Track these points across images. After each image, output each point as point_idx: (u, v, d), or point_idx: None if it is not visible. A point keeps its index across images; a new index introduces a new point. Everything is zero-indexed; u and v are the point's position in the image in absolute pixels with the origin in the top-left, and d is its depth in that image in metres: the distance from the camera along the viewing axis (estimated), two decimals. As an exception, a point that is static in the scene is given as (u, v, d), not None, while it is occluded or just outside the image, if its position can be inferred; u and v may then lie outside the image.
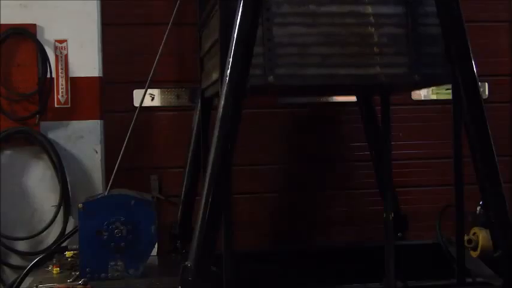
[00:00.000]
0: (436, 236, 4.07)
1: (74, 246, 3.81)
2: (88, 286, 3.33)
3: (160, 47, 3.91)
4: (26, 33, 4.37)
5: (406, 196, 4.70)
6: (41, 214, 4.42)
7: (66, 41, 4.46)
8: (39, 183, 4.43)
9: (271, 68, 2.95)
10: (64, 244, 4.10)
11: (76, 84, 4.48)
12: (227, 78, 2.69)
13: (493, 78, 4.93)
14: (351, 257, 4.14)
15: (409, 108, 4.88)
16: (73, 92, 4.47)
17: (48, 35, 4.43)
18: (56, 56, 4.45)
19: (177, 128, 4.63)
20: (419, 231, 4.53)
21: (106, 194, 3.64)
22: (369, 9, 3.05)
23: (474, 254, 3.53)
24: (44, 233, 4.38)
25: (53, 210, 4.36)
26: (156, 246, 3.81)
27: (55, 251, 3.93)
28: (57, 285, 3.32)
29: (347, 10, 3.05)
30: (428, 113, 4.88)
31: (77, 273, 3.52)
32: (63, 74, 4.46)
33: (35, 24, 4.41)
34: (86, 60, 4.49)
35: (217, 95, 3.00)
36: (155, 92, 4.65)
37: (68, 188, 4.39)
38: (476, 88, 2.90)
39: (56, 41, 4.45)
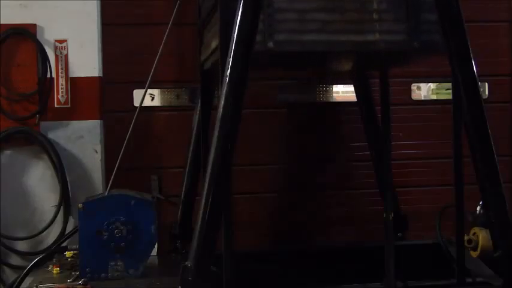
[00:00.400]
0: (436, 236, 4.07)
1: (74, 246, 3.81)
2: (88, 286, 3.33)
3: (160, 47, 3.91)
4: (26, 33, 4.37)
5: (406, 196, 4.70)
6: (41, 214, 4.42)
7: (66, 41, 4.46)
8: (39, 183, 4.43)
9: (270, 34, 2.96)
10: (64, 244, 4.10)
11: (76, 84, 4.48)
12: (227, 78, 2.69)
13: (493, 78, 4.93)
14: (351, 257, 4.14)
15: (409, 108, 4.88)
16: (73, 92, 4.47)
17: (48, 35, 4.43)
18: (56, 56, 4.45)
19: (177, 128, 4.63)
20: (419, 231, 4.53)
21: (106, 194, 3.64)
22: (368, -24, 3.07)
23: (474, 254, 3.53)
24: (44, 233, 4.38)
25: (53, 210, 4.36)
26: (156, 246, 3.81)
27: (55, 251, 3.93)
28: (57, 285, 3.32)
29: (346, -24, 3.07)
30: (428, 113, 4.88)
31: (77, 273, 3.52)
32: (63, 74, 4.46)
33: (35, 24, 4.41)
34: (86, 60, 4.49)
35: (217, 63, 3.01)
36: (155, 92, 4.65)
37: (68, 188, 4.39)
38: (476, 88, 2.90)
39: (56, 41, 4.45)
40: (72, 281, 3.42)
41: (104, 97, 4.56)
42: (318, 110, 4.83)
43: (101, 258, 3.49)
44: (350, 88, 4.65)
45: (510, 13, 5.00)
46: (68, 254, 3.88)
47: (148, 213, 3.55)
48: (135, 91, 4.58)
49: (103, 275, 3.50)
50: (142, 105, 3.98)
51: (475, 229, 3.54)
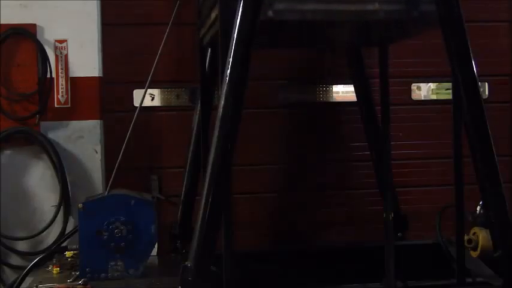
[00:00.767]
0: (436, 236, 4.07)
1: (74, 246, 3.81)
2: (88, 286, 3.33)
3: (160, 47, 3.91)
4: (26, 33, 4.37)
5: (406, 196, 4.71)
6: (41, 214, 4.42)
7: (66, 41, 4.46)
8: (39, 183, 4.43)
9: (270, 3, 2.95)
10: (64, 244, 4.10)
11: (76, 84, 4.48)
12: (227, 78, 2.69)
13: (493, 78, 4.93)
14: (351, 257, 4.14)
15: (408, 108, 4.88)
16: (73, 92, 4.47)
17: (48, 35, 4.43)
18: (56, 56, 4.45)
19: (177, 128, 4.63)
20: (419, 231, 4.53)
21: (106, 194, 3.64)
22: None
23: (474, 254, 3.53)
24: (44, 233, 4.38)
25: (53, 210, 4.36)
26: (156, 246, 3.81)
27: (55, 250, 3.93)
28: (57, 285, 3.32)
29: None
30: (428, 113, 4.88)
31: (77, 273, 3.52)
32: (63, 74, 4.46)
33: (35, 24, 4.41)
34: (86, 60, 4.49)
35: (216, 36, 3.01)
36: (155, 92, 4.65)
37: (68, 188, 4.39)
38: (476, 88, 2.89)
39: (56, 41, 4.45)
40: (72, 281, 3.42)
41: (104, 97, 4.56)
42: (318, 110, 4.83)
43: (101, 258, 3.49)
44: (350, 88, 4.65)
45: (510, 13, 5.00)
46: (68, 254, 3.88)
47: (148, 213, 3.55)
48: (135, 91, 4.58)
49: (103, 275, 3.50)
50: (142, 105, 3.98)
51: (475, 229, 3.54)
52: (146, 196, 3.79)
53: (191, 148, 4.24)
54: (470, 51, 2.88)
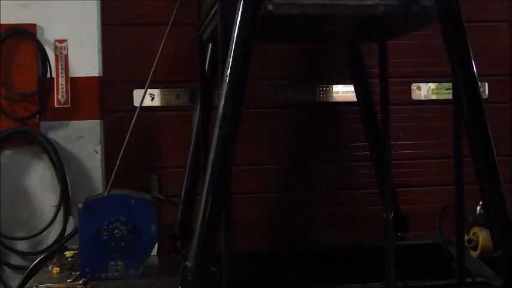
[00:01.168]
0: (436, 236, 4.07)
1: (74, 246, 3.81)
2: (88, 286, 3.33)
3: (160, 47, 3.91)
4: (26, 33, 4.37)
5: (406, 196, 4.70)
6: (41, 214, 4.42)
7: (66, 41, 4.46)
8: (39, 183, 4.43)
9: None
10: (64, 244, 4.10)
11: (76, 84, 4.48)
12: (227, 78, 2.69)
13: (493, 78, 4.93)
14: (351, 257, 4.14)
15: (408, 108, 4.88)
16: (73, 92, 4.47)
17: (48, 35, 4.43)
18: (56, 56, 4.45)
19: (177, 128, 4.63)
20: (419, 231, 4.52)
21: (106, 194, 3.64)
22: None
23: (474, 254, 3.53)
24: (44, 233, 4.38)
25: (53, 210, 4.36)
26: (156, 246, 3.81)
27: (55, 251, 3.92)
28: (57, 285, 3.32)
29: None
30: (428, 113, 4.88)
31: (77, 273, 3.52)
32: (63, 74, 4.46)
33: (35, 24, 4.41)
34: (86, 60, 4.49)
35: (216, 30, 3.01)
36: (155, 92, 4.65)
37: (68, 188, 4.39)
38: (476, 88, 2.90)
39: (56, 41, 4.45)
40: (72, 281, 3.42)
41: (104, 97, 4.56)
42: (318, 110, 4.83)
43: (101, 258, 3.48)
44: (350, 88, 4.65)
45: (510, 13, 5.00)
46: (68, 254, 3.88)
47: (148, 213, 3.55)
48: (135, 91, 4.58)
49: (103, 275, 3.49)
50: (142, 105, 3.98)
51: (475, 229, 3.54)
52: (146, 196, 3.79)
53: (191, 148, 4.24)
54: (470, 51, 2.88)
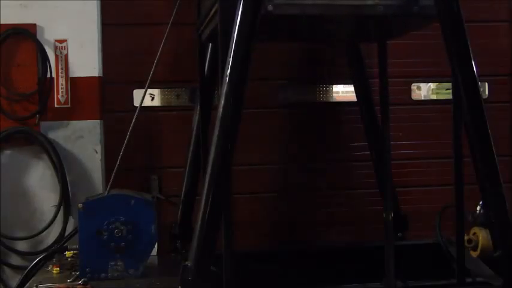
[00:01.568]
0: (436, 236, 4.07)
1: (74, 246, 3.81)
2: (88, 286, 3.32)
3: (160, 47, 3.90)
4: (26, 33, 4.37)
5: (406, 196, 4.70)
6: (41, 214, 4.42)
7: (66, 41, 4.46)
8: (39, 183, 4.43)
9: None
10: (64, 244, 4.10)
11: (76, 84, 4.48)
12: (227, 78, 2.69)
13: (493, 78, 4.93)
14: (351, 257, 4.14)
15: (408, 108, 4.88)
16: (73, 92, 4.47)
17: (48, 35, 4.43)
18: (56, 56, 4.45)
19: (177, 128, 4.63)
20: (419, 231, 4.52)
21: (106, 194, 3.63)
22: None
23: (474, 254, 3.53)
24: (44, 233, 4.38)
25: (53, 210, 4.36)
26: (156, 246, 3.81)
27: (55, 251, 3.92)
28: (57, 285, 3.32)
29: None
30: (428, 113, 4.88)
31: (77, 273, 3.51)
32: (63, 74, 4.46)
33: (35, 24, 4.41)
34: (86, 60, 4.49)
35: (216, 30, 3.02)
36: (155, 92, 4.65)
37: (68, 188, 4.39)
38: (476, 88, 2.89)
39: (56, 41, 4.45)
40: (72, 281, 3.42)
41: (104, 97, 4.56)
42: (318, 110, 4.83)
43: (101, 258, 3.48)
44: (350, 88, 4.65)
45: (510, 13, 5.00)
46: (68, 254, 3.88)
47: (148, 213, 3.55)
48: (135, 91, 4.58)
49: (103, 275, 3.49)
50: (142, 105, 3.98)
51: (475, 229, 3.54)
52: (146, 196, 3.79)
53: (191, 148, 4.24)
54: (470, 51, 2.88)
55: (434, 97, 4.93)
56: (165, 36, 3.93)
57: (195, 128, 4.23)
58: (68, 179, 4.40)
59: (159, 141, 4.68)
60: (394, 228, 3.93)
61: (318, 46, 4.75)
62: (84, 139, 4.48)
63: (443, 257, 3.97)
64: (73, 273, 3.56)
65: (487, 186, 2.95)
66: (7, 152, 4.40)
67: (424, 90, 4.92)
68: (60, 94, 4.46)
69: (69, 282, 3.41)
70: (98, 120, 4.51)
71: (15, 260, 4.40)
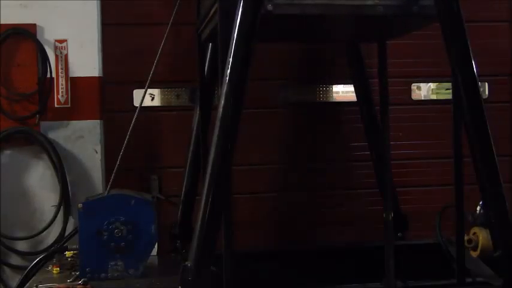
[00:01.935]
0: (436, 236, 4.07)
1: (74, 246, 3.81)
2: (88, 286, 3.32)
3: (160, 47, 3.90)
4: (26, 33, 4.37)
5: (406, 196, 4.70)
6: (41, 214, 4.42)
7: (66, 41, 4.46)
8: (39, 183, 4.43)
9: None
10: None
11: (76, 84, 4.48)
12: (227, 78, 2.68)
13: (493, 78, 4.93)
14: (351, 257, 4.14)
15: (408, 108, 4.88)
16: (73, 92, 4.47)
17: (48, 35, 4.44)
18: (56, 56, 4.45)
19: (177, 128, 4.63)
20: (419, 231, 4.52)
21: (106, 194, 3.63)
22: None
23: (474, 254, 3.53)
24: (44, 233, 4.38)
25: (53, 210, 4.36)
26: (156, 246, 3.81)
27: (55, 251, 3.92)
28: (57, 285, 3.32)
29: None
30: (428, 113, 4.88)
31: (77, 273, 3.52)
32: (63, 74, 4.46)
33: (35, 24, 4.41)
34: (86, 60, 4.49)
35: (215, 29, 3.02)
36: (155, 92, 4.65)
37: (68, 188, 4.39)
38: (476, 88, 2.89)
39: (56, 41, 4.45)
40: (72, 281, 3.42)
41: (104, 97, 4.57)
42: (318, 110, 4.83)
43: (101, 258, 3.48)
44: (350, 88, 4.65)
45: (510, 13, 5.00)
46: (68, 254, 3.88)
47: (149, 213, 3.55)
48: (135, 91, 4.58)
49: (103, 275, 3.49)
50: (142, 105, 3.98)
51: (475, 229, 3.54)
52: (146, 196, 3.79)
53: (191, 148, 4.24)
54: (470, 51, 2.88)
55: (434, 97, 4.93)
56: (165, 36, 3.93)
57: (195, 128, 4.23)
58: (68, 179, 4.40)
59: (159, 141, 4.68)
60: (394, 228, 3.93)
61: (318, 46, 4.76)
62: (84, 139, 4.48)
63: (443, 257, 3.97)
64: (73, 273, 3.56)
65: (487, 186, 2.95)
66: (7, 152, 4.41)
67: (424, 90, 4.92)
68: (60, 94, 4.46)
69: (69, 282, 3.40)
70: (98, 120, 4.51)
71: (15, 260, 4.40)
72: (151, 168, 4.67)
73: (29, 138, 4.39)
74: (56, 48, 4.45)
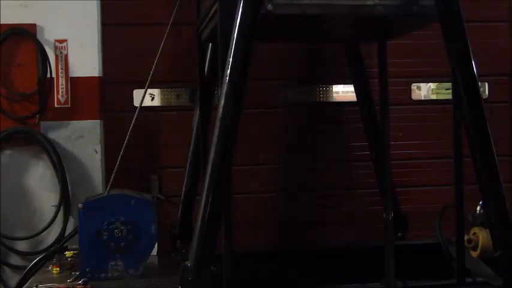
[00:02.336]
0: (436, 236, 4.07)
1: (74, 246, 3.81)
2: (88, 286, 3.33)
3: (160, 47, 3.91)
4: (26, 33, 4.37)
5: (406, 196, 4.70)
6: (41, 214, 4.42)
7: (66, 41, 4.46)
8: (39, 183, 4.43)
9: None
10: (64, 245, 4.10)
11: (76, 84, 4.48)
12: (227, 78, 2.69)
13: (493, 78, 4.93)
14: (351, 257, 4.14)
15: (408, 108, 4.88)
16: (73, 92, 4.47)
17: (48, 35, 4.44)
18: (56, 56, 4.45)
19: (177, 128, 4.63)
20: (419, 231, 4.53)
21: (106, 194, 3.64)
22: None
23: (474, 254, 3.53)
24: (44, 233, 4.38)
25: (53, 210, 4.36)
26: (156, 246, 3.81)
27: (55, 251, 3.93)
28: (57, 285, 3.32)
29: None
30: (428, 113, 4.88)
31: (77, 273, 3.52)
32: (63, 74, 4.46)
33: (35, 24, 4.41)
34: (86, 60, 4.49)
35: (215, 29, 3.03)
36: (155, 92, 4.65)
37: (68, 188, 4.39)
38: (476, 88, 2.89)
39: (56, 41, 4.45)
40: (72, 281, 3.42)
41: (104, 97, 4.57)
42: (318, 110, 4.83)
43: (101, 258, 3.49)
44: (350, 88, 4.65)
45: (510, 13, 5.00)
46: (68, 254, 3.88)
47: (149, 213, 3.55)
48: (135, 91, 4.58)
49: (103, 275, 3.49)
50: (142, 105, 3.98)
51: (475, 229, 3.53)
52: (146, 196, 3.79)
53: (191, 148, 4.24)
54: (470, 51, 2.88)
55: (434, 97, 4.92)
56: (165, 36, 3.93)
57: (195, 128, 4.23)
58: (68, 179, 4.40)
59: (159, 141, 4.68)
60: (394, 228, 3.93)
61: (318, 46, 4.76)
62: (84, 139, 4.48)
63: (443, 257, 3.97)
64: (73, 273, 3.57)
65: (487, 186, 2.95)
66: (7, 152, 4.41)
67: (424, 90, 4.92)
68: (60, 94, 4.46)
69: (69, 282, 3.41)
70: (98, 120, 4.51)
71: (15, 260, 4.40)
72: (151, 168, 4.67)
73: (29, 138, 4.39)
74: (56, 48, 4.45)
